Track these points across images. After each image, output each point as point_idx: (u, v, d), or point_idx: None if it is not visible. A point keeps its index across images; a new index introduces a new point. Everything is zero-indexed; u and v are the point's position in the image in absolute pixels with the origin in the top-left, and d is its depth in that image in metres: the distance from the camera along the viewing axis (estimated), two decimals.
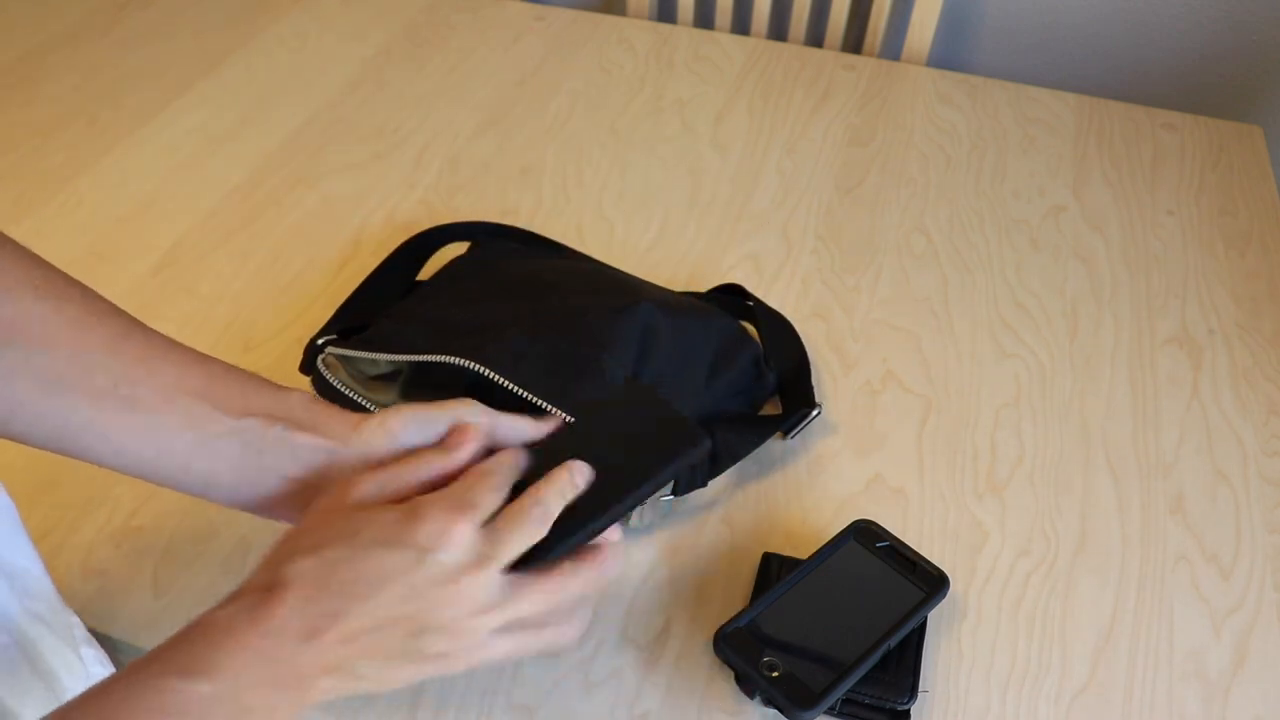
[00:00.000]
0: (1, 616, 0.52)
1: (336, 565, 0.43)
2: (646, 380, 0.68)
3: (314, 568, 0.43)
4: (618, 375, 0.66)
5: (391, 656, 0.44)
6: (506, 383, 0.65)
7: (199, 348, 0.78)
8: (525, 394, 0.64)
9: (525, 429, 0.54)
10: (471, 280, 0.79)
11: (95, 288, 0.87)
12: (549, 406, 0.63)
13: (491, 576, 0.45)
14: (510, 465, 0.50)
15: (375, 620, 0.43)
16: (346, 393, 0.69)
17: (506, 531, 0.46)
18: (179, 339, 0.83)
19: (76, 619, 0.59)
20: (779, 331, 0.82)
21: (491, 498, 0.47)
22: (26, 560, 0.55)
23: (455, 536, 0.44)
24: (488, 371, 0.65)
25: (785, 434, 0.76)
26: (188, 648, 0.41)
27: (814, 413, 0.76)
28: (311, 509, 0.47)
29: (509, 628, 0.46)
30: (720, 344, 0.75)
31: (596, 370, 0.66)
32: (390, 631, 0.43)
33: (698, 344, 0.73)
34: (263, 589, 0.43)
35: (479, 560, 0.45)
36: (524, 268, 0.80)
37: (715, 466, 0.70)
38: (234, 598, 0.44)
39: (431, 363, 0.68)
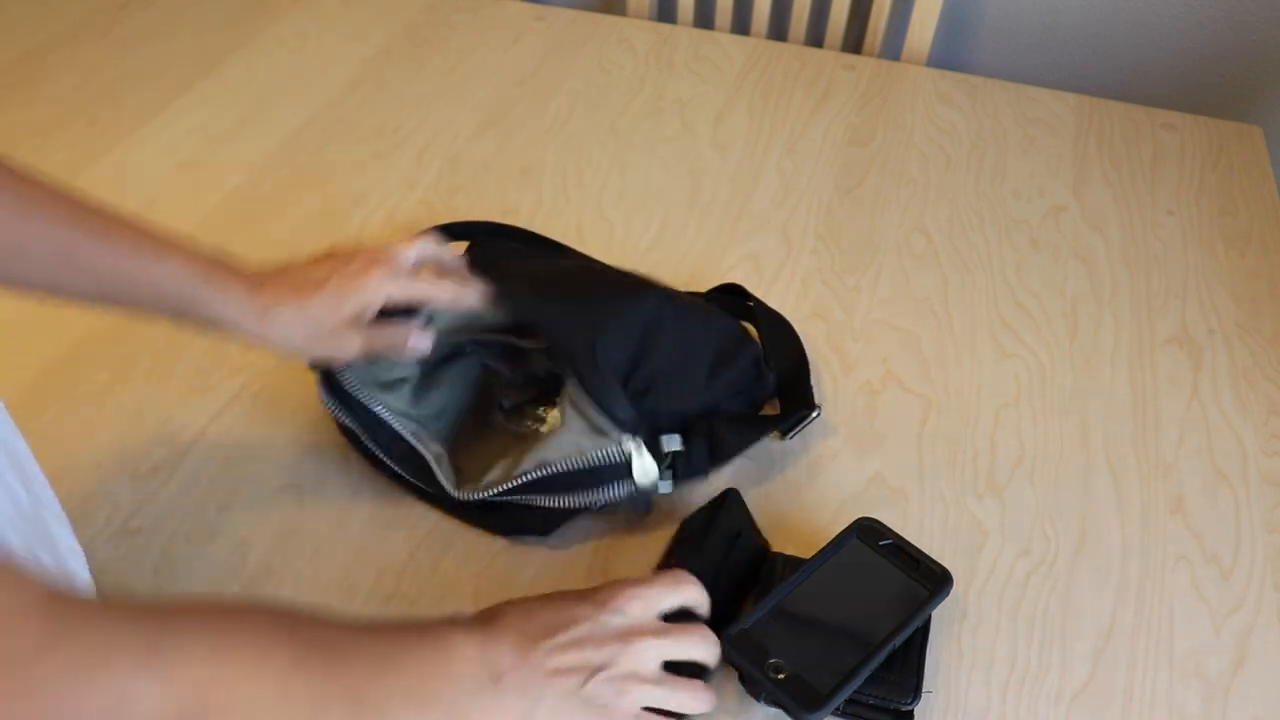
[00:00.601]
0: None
1: (538, 611, 0.55)
2: (644, 375, 0.68)
3: (520, 611, 0.55)
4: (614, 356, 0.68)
5: (568, 696, 0.52)
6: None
7: (197, 348, 0.79)
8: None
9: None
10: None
11: None
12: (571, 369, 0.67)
13: (656, 648, 0.55)
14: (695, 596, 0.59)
15: (561, 658, 0.53)
16: (359, 396, 0.69)
17: (680, 632, 0.57)
18: (178, 340, 0.84)
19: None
20: (779, 332, 0.82)
21: (670, 596, 0.58)
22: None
23: (631, 603, 0.56)
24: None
25: (784, 434, 0.76)
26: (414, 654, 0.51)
27: (813, 414, 0.76)
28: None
29: (651, 699, 0.55)
30: (721, 343, 0.75)
31: (591, 357, 0.67)
32: (569, 675, 0.53)
33: (698, 343, 0.73)
34: (484, 621, 0.54)
35: (650, 630, 0.55)
36: (524, 267, 0.80)
37: (714, 460, 0.69)
38: (463, 624, 0.54)
39: (443, 355, 0.71)
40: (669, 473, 0.67)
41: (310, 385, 0.71)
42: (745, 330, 0.79)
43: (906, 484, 0.75)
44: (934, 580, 0.63)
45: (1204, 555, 0.71)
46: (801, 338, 0.84)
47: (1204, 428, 0.79)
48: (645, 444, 0.65)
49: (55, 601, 0.37)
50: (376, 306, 0.66)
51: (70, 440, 0.76)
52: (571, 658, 0.53)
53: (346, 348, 0.67)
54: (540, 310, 0.69)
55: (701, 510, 0.69)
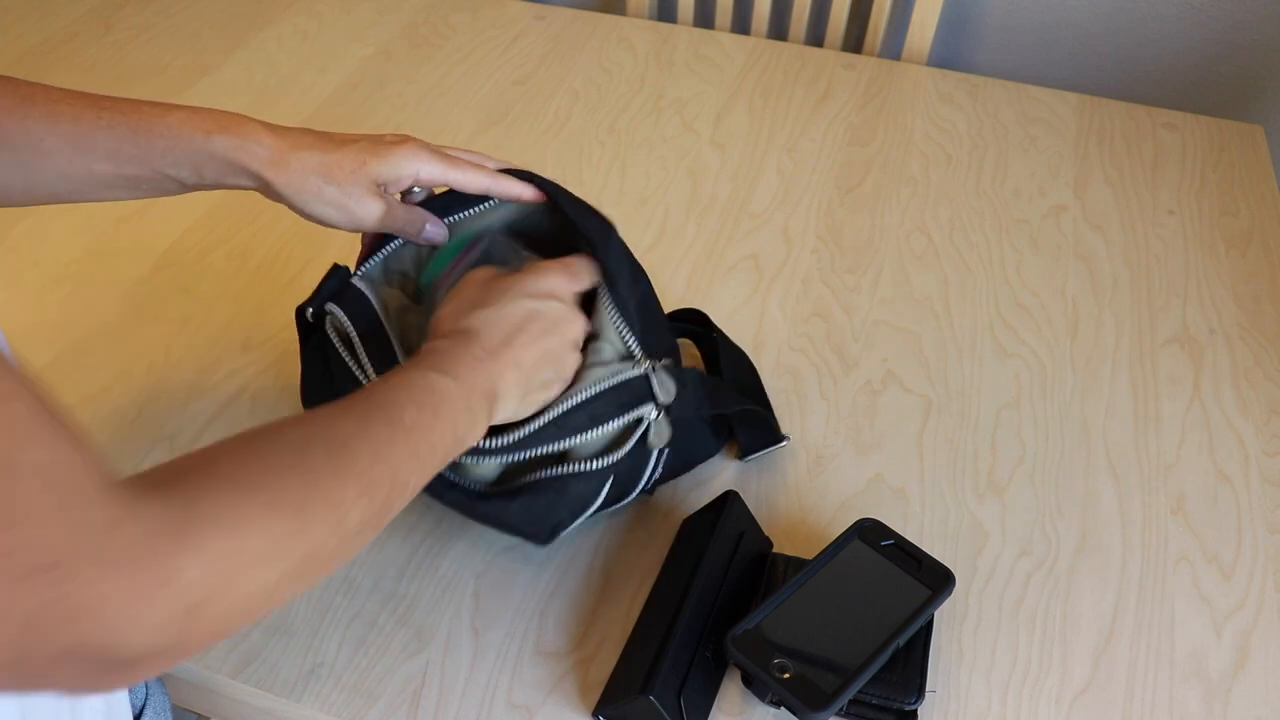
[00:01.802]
0: None
1: (504, 313, 0.59)
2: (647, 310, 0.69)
3: (489, 315, 0.58)
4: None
5: (536, 372, 0.59)
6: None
7: (198, 348, 0.79)
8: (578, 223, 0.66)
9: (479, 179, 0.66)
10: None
11: (95, 288, 0.87)
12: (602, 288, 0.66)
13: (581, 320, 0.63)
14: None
15: (531, 350, 0.59)
16: (344, 355, 0.66)
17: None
18: (178, 339, 0.84)
19: None
20: (738, 365, 0.80)
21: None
22: None
23: (565, 291, 0.63)
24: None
25: (743, 455, 0.75)
26: (435, 358, 0.55)
27: (783, 442, 0.76)
28: (464, 283, 0.63)
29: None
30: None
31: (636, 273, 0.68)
32: (538, 364, 0.59)
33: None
34: (460, 333, 0.58)
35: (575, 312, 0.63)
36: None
37: (711, 400, 0.70)
38: (437, 339, 0.58)
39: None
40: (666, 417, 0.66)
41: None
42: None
43: (907, 484, 0.75)
44: (936, 580, 0.63)
45: (1205, 555, 0.71)
46: (801, 338, 0.84)
47: (1205, 427, 0.79)
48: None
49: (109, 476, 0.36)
50: (405, 179, 0.64)
51: None
52: (540, 346, 0.59)
53: (365, 213, 0.63)
54: (578, 214, 0.67)
55: (703, 511, 0.69)
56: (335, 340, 0.66)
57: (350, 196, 0.63)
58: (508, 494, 0.64)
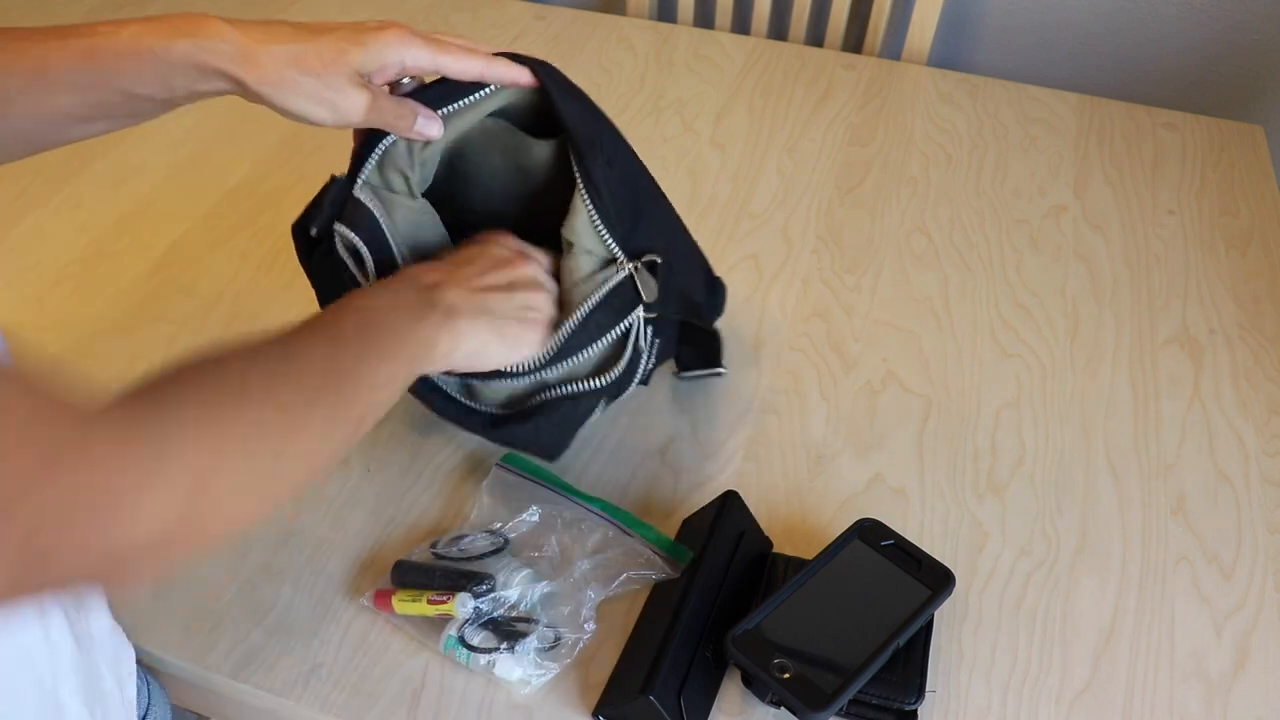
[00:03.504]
0: None
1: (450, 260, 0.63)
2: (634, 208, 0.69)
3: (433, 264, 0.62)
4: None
5: (493, 299, 0.61)
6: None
7: (198, 348, 0.78)
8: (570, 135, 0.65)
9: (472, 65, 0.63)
10: None
11: (95, 287, 0.87)
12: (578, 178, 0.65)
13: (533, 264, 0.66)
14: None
15: (480, 279, 0.62)
16: (355, 272, 0.66)
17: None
18: (178, 339, 0.84)
19: None
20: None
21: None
22: None
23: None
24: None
25: (680, 370, 0.78)
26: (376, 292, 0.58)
27: (721, 371, 0.80)
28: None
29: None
30: (688, 236, 0.77)
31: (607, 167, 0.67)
32: (490, 290, 0.62)
33: (676, 220, 0.75)
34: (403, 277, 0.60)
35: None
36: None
37: (684, 308, 0.71)
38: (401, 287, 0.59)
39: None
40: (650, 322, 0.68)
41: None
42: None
43: (907, 484, 0.75)
44: (936, 580, 0.63)
45: (1205, 555, 0.71)
46: (801, 338, 0.84)
47: (1205, 428, 0.79)
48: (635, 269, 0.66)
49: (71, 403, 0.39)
50: (391, 66, 0.60)
51: None
52: (491, 278, 0.62)
53: (349, 106, 0.59)
54: (569, 107, 0.65)
55: (703, 511, 0.69)
56: (346, 256, 0.66)
57: (331, 88, 0.58)
58: (522, 415, 0.67)
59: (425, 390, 0.68)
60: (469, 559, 0.66)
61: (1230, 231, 0.98)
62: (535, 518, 0.69)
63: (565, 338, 0.65)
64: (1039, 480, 0.75)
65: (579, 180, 0.65)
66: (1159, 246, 0.96)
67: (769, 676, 0.58)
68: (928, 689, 0.61)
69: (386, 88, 0.63)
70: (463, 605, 0.62)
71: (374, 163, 0.65)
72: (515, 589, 0.64)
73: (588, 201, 0.64)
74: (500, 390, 0.67)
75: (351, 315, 0.54)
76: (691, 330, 0.79)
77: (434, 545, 0.68)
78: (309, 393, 0.48)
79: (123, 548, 0.37)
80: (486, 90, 0.65)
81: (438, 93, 0.64)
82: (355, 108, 0.59)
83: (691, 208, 0.99)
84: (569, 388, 0.66)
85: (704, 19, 1.36)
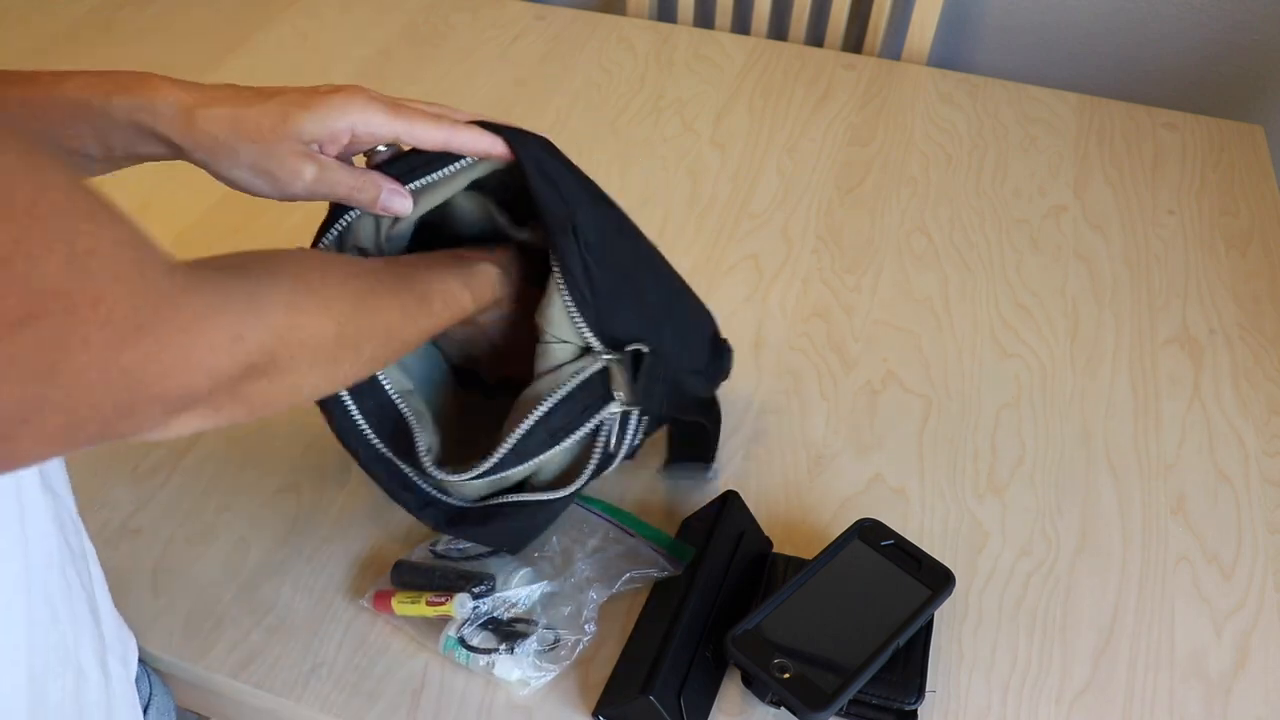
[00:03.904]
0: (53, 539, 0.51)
1: None
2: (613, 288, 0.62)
3: None
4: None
5: None
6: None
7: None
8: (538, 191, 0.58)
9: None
10: None
11: None
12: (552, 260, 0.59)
13: None
14: None
15: None
16: None
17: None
18: None
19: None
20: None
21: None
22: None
23: None
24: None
25: (667, 463, 0.74)
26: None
27: (708, 471, 0.74)
28: None
29: None
30: (689, 299, 0.70)
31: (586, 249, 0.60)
32: None
33: (672, 282, 0.68)
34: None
35: None
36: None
37: (670, 401, 0.65)
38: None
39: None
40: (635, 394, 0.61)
41: None
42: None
43: (907, 484, 0.75)
44: (936, 580, 0.63)
45: (1205, 555, 0.71)
46: (801, 338, 0.84)
47: (1205, 428, 0.79)
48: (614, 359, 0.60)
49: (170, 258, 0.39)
50: (342, 133, 0.54)
51: None
52: None
53: (291, 179, 0.53)
54: (543, 187, 0.59)
55: (703, 511, 0.69)
56: None
57: (272, 158, 0.53)
58: (481, 516, 0.63)
59: (379, 471, 0.63)
60: (469, 559, 0.66)
61: (1230, 231, 0.98)
62: None
63: (523, 434, 0.59)
64: (1039, 480, 0.75)
65: (554, 266, 0.59)
66: (1159, 246, 0.96)
67: (769, 676, 0.58)
68: (928, 689, 0.61)
69: (344, 158, 0.58)
70: (461, 606, 0.62)
71: (332, 238, 0.60)
72: (515, 589, 0.64)
73: (563, 288, 0.58)
74: (465, 487, 0.63)
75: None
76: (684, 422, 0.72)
77: (434, 545, 0.68)
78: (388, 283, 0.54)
79: (201, 392, 0.39)
80: (464, 162, 0.59)
81: (410, 164, 0.59)
82: (298, 180, 0.54)
83: (691, 208, 0.99)
84: (532, 496, 0.62)
85: (704, 19, 1.36)
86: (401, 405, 0.62)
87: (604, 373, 0.60)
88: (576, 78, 1.16)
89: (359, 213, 0.60)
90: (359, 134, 0.55)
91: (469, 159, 0.59)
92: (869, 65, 1.19)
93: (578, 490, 0.63)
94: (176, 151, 0.53)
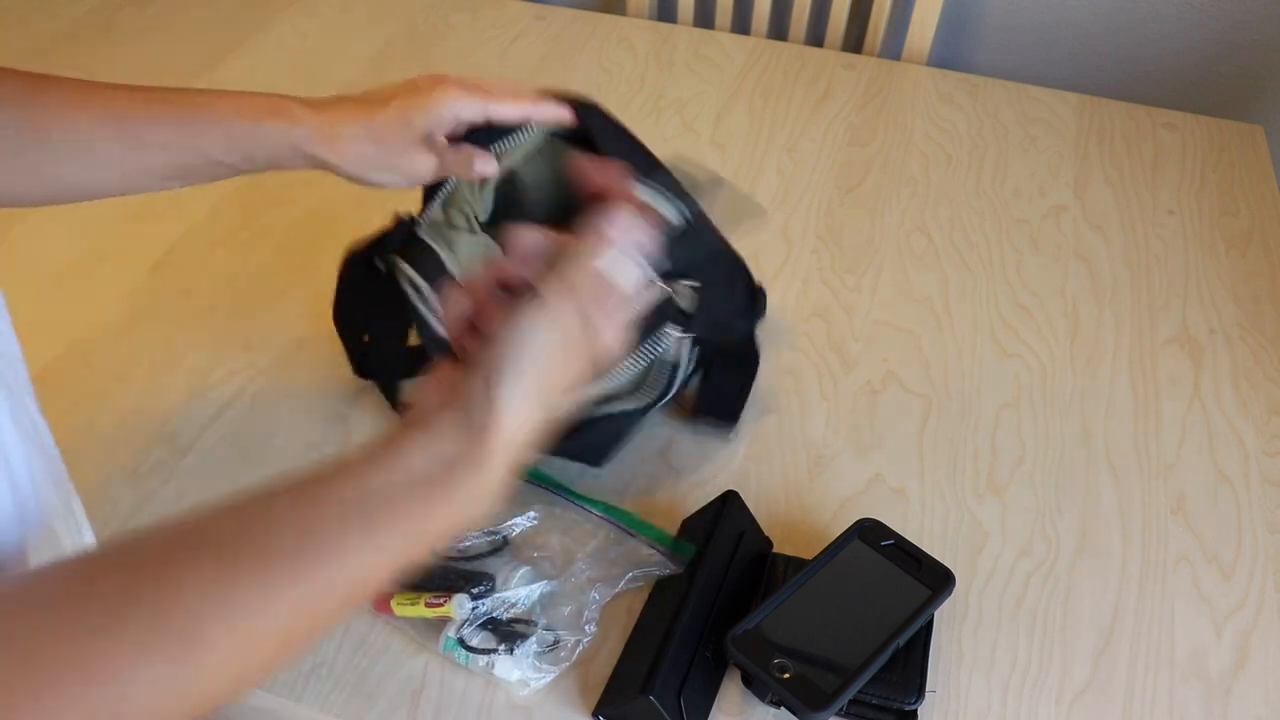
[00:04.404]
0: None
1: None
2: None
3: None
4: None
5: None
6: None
7: (198, 348, 0.78)
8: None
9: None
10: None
11: (95, 288, 0.87)
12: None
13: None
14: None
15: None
16: (419, 304, 0.68)
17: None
18: (178, 339, 0.84)
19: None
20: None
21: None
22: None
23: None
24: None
25: (693, 411, 0.76)
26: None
27: (730, 434, 0.77)
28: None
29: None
30: (730, 252, 0.75)
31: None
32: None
33: (716, 237, 0.72)
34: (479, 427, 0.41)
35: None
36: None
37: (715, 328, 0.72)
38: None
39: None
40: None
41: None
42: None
43: (907, 484, 0.74)
44: (936, 580, 0.63)
45: (1205, 555, 0.71)
46: (801, 338, 0.84)
47: (1205, 428, 0.79)
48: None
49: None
50: (447, 122, 0.63)
51: (70, 440, 0.76)
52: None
53: (419, 169, 0.64)
54: (610, 142, 0.69)
55: (703, 511, 0.69)
56: (409, 289, 0.68)
57: (404, 156, 0.63)
58: (574, 429, 0.68)
59: None
60: (468, 559, 0.66)
61: (1230, 231, 0.98)
62: (535, 518, 0.69)
63: None
64: (1039, 480, 0.75)
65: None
66: (1159, 246, 0.96)
67: (769, 676, 0.58)
68: (928, 689, 0.61)
69: (446, 140, 0.65)
70: (460, 607, 0.62)
71: (439, 203, 0.70)
72: (514, 589, 0.64)
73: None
74: None
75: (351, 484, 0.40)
76: (722, 369, 0.77)
77: None
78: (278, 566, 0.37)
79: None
80: (533, 130, 0.69)
81: (487, 134, 0.67)
82: (426, 169, 0.64)
83: None
84: (612, 407, 0.69)
85: (704, 19, 1.36)
86: None
87: (664, 298, 0.66)
88: (576, 78, 1.16)
89: (455, 181, 0.70)
90: (461, 120, 0.64)
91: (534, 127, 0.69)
92: (869, 65, 1.19)
93: (649, 406, 0.70)
94: (321, 165, 0.63)
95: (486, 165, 0.66)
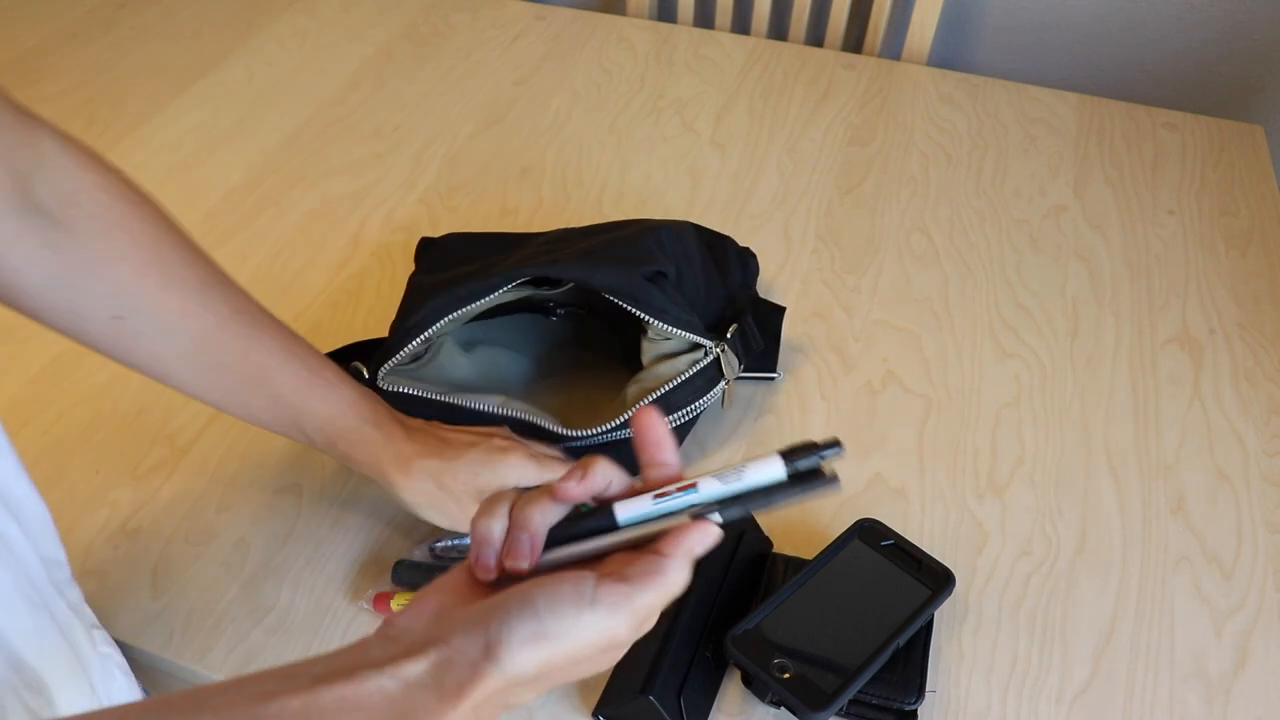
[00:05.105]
0: (29, 570, 0.51)
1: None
2: (689, 290, 0.75)
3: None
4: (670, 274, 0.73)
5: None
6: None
7: None
8: (613, 299, 0.69)
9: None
10: (463, 257, 0.78)
11: None
12: (643, 315, 0.69)
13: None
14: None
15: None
16: (424, 395, 0.70)
17: None
18: None
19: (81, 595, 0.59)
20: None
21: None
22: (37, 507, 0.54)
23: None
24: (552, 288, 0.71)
25: (739, 361, 0.77)
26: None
27: (775, 376, 0.81)
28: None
29: None
30: (704, 241, 0.82)
31: (663, 279, 0.72)
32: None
33: (693, 248, 0.79)
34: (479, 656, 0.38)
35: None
36: (501, 241, 0.82)
37: (765, 337, 0.79)
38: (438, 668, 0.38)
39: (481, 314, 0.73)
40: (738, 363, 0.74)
41: None
42: (703, 228, 0.84)
43: (907, 484, 0.74)
44: (936, 580, 0.63)
45: (1205, 555, 0.71)
46: (801, 338, 0.83)
47: (1205, 428, 0.79)
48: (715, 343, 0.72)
49: None
50: (509, 487, 0.54)
51: (70, 440, 0.76)
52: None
53: (466, 519, 0.64)
54: (591, 275, 0.70)
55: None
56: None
57: (461, 505, 0.64)
58: (601, 447, 0.70)
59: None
60: (464, 556, 0.66)
61: (1230, 231, 0.98)
62: None
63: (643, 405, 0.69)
64: (1039, 480, 0.75)
65: (645, 321, 0.70)
66: (1159, 246, 0.96)
67: (769, 676, 0.58)
68: (928, 689, 0.61)
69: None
70: None
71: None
72: None
73: (659, 325, 0.70)
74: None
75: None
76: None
77: (434, 544, 0.68)
78: None
79: None
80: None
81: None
82: (469, 520, 0.55)
83: (691, 208, 0.99)
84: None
85: (704, 19, 1.36)
86: (519, 414, 0.71)
87: (716, 361, 0.72)
88: (576, 78, 1.16)
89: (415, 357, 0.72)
90: (520, 486, 0.59)
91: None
92: (869, 65, 1.19)
93: (693, 420, 0.73)
94: (385, 481, 0.64)
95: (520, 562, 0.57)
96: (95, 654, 0.56)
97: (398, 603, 0.64)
